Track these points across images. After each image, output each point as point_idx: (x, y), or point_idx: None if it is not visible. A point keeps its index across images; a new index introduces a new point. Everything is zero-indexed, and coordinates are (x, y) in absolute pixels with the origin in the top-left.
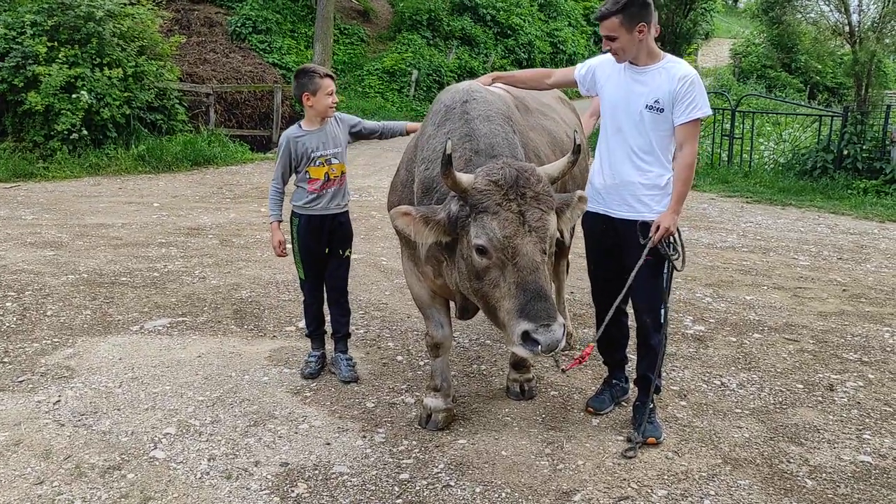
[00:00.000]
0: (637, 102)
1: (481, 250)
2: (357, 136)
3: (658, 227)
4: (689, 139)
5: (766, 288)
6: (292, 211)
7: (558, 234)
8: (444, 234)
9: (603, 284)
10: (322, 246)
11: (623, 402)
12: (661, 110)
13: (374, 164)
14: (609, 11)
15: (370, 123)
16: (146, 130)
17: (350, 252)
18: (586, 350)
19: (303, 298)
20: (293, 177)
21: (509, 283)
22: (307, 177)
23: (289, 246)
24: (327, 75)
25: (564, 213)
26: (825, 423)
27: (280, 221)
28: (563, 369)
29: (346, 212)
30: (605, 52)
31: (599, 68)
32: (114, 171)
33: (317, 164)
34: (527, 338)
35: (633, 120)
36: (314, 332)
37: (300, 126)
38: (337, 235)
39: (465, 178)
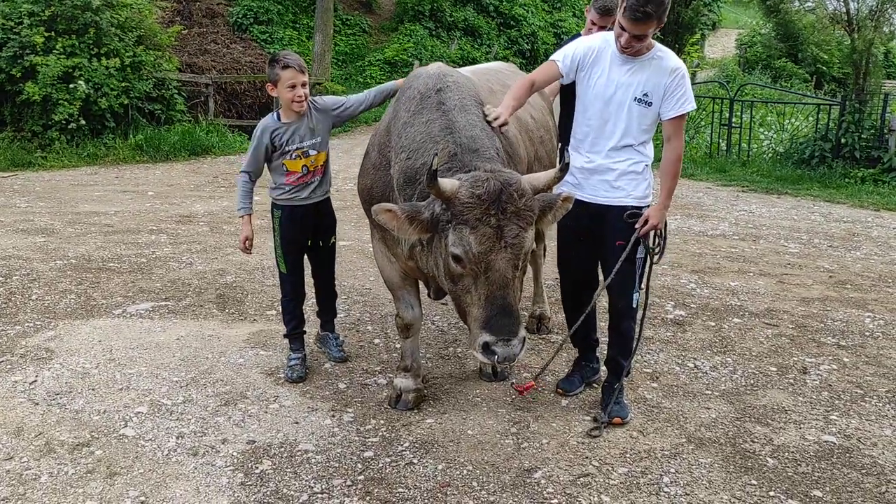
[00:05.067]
0: (625, 94)
1: (457, 258)
2: (345, 116)
3: (646, 222)
4: (677, 133)
5: (751, 274)
6: (272, 203)
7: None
8: (426, 232)
9: (574, 272)
10: (306, 237)
11: (594, 384)
12: (650, 104)
13: (361, 151)
14: (654, 15)
15: (356, 97)
16: (144, 120)
17: (335, 239)
18: (528, 384)
19: (281, 296)
20: (266, 169)
21: (480, 293)
22: (284, 170)
23: (270, 242)
24: (288, 66)
25: (547, 214)
26: (794, 405)
27: (251, 214)
28: (512, 383)
29: (328, 199)
30: (575, 39)
31: (582, 56)
32: (112, 161)
33: (293, 157)
34: (486, 348)
35: (620, 111)
36: (293, 330)
37: (277, 117)
38: (322, 225)
39: (448, 186)
